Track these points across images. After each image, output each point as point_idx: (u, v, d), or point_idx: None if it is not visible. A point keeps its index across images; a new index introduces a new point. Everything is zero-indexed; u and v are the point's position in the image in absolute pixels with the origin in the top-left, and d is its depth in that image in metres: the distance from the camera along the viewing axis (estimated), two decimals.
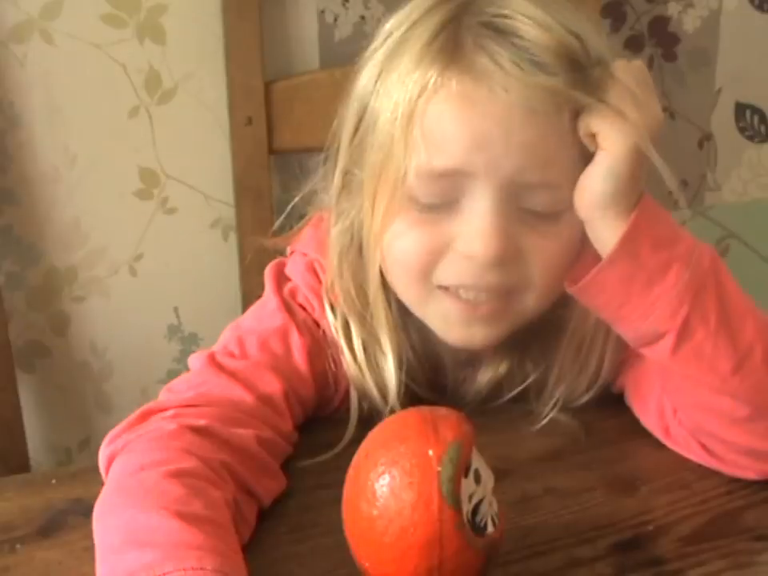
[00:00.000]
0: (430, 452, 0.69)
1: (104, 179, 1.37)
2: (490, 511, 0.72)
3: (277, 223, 1.09)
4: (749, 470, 0.87)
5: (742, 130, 1.69)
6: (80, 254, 1.39)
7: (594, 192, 0.83)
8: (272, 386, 0.90)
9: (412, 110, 0.83)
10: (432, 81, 0.82)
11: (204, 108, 1.37)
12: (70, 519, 0.84)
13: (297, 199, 1.01)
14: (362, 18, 1.42)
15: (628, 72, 0.84)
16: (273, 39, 1.37)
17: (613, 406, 0.96)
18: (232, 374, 0.90)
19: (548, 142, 0.83)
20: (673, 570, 0.77)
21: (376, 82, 0.88)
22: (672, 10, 1.59)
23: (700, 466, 0.88)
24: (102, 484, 0.81)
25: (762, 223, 1.76)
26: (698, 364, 0.83)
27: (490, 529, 0.72)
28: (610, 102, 0.82)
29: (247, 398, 0.88)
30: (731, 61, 1.64)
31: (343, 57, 1.39)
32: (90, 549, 0.75)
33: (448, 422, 0.72)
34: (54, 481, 0.90)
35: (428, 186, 0.85)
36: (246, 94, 1.34)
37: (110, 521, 0.76)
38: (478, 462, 0.72)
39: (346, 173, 0.93)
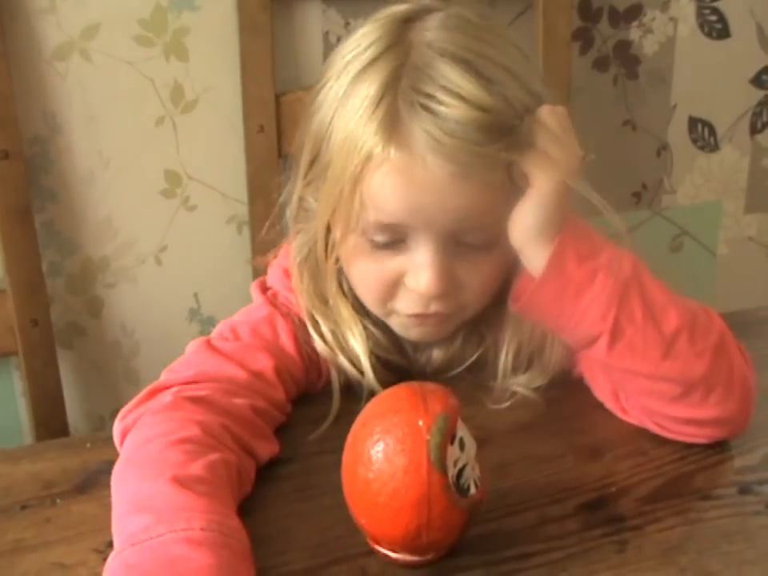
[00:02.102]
0: (420, 422, 0.69)
1: (133, 180, 1.36)
2: (472, 475, 0.72)
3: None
4: (697, 437, 0.87)
5: (694, 141, 1.69)
6: (112, 246, 1.39)
7: (526, 225, 0.83)
8: (263, 362, 0.90)
9: (357, 176, 0.83)
10: (375, 153, 0.82)
11: (222, 117, 1.37)
12: (102, 478, 0.84)
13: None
14: None
15: (552, 116, 0.84)
16: (283, 57, 1.37)
17: (579, 384, 0.96)
18: (226, 355, 0.90)
19: (483, 199, 0.83)
20: (632, 526, 0.78)
21: (328, 126, 0.87)
22: (634, 35, 1.59)
23: (656, 435, 0.88)
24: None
25: (711, 222, 1.76)
26: (632, 356, 0.83)
27: (473, 490, 0.71)
28: (537, 144, 0.82)
29: (240, 373, 0.88)
30: (685, 80, 1.65)
31: None
32: None
33: (436, 396, 0.71)
34: (89, 444, 0.91)
35: (376, 231, 0.86)
36: (259, 105, 1.34)
37: (120, 489, 0.76)
38: (462, 431, 0.72)
39: (302, 199, 0.94)
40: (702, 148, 1.70)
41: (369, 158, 0.82)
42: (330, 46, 1.40)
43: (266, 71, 1.33)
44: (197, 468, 0.75)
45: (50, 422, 1.32)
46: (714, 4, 1.62)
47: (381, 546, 0.73)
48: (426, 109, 0.80)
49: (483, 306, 0.92)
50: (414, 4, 0.89)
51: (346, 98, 0.85)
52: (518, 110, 0.82)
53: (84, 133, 1.32)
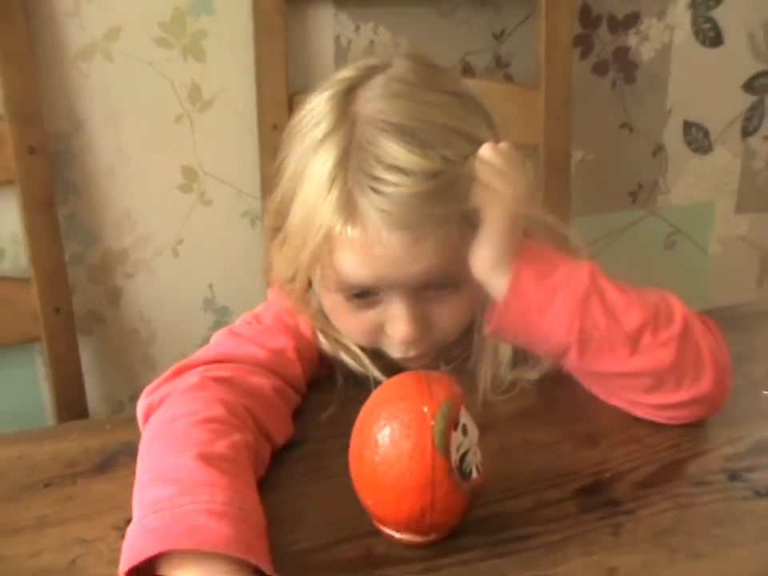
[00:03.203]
0: (425, 409, 0.69)
1: (152, 175, 1.37)
2: (474, 460, 0.72)
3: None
4: (680, 418, 0.88)
5: (688, 144, 1.69)
6: (131, 238, 1.39)
7: (484, 257, 0.84)
8: (283, 342, 0.92)
9: (317, 252, 0.86)
10: (334, 232, 0.83)
11: (237, 116, 1.37)
12: (121, 458, 0.85)
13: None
14: (371, 42, 1.41)
15: (493, 153, 0.85)
16: (295, 59, 1.37)
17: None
18: (248, 337, 0.91)
19: (441, 254, 0.84)
20: (626, 510, 0.77)
21: (290, 204, 0.89)
22: (631, 41, 1.59)
23: (651, 423, 0.88)
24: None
25: (704, 221, 1.76)
26: (602, 360, 0.84)
27: (475, 474, 0.71)
28: (482, 182, 0.83)
29: (261, 353, 0.89)
30: (680, 85, 1.65)
31: None
32: None
33: (440, 384, 0.71)
34: (108, 426, 0.91)
35: (348, 293, 0.88)
36: (273, 105, 1.34)
37: (145, 462, 0.76)
38: (465, 417, 0.71)
39: (275, 230, 0.94)
40: (695, 150, 1.70)
41: (329, 236, 0.84)
42: (341, 49, 1.40)
43: (279, 72, 1.33)
44: (221, 447, 0.75)
45: (71, 404, 1.32)
46: (709, 13, 1.62)
47: (386, 526, 0.73)
48: (375, 190, 0.82)
49: (460, 333, 0.93)
50: (359, 68, 0.90)
51: (302, 177, 0.87)
52: (459, 163, 0.84)
53: (105, 130, 1.32)
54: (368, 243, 0.83)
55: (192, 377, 0.84)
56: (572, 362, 0.86)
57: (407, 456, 0.69)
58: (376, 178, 0.82)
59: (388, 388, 0.74)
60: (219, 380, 0.83)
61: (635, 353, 0.83)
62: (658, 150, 1.67)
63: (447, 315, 0.90)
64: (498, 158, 0.84)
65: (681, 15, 1.60)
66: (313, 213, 0.85)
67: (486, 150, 0.85)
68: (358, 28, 1.40)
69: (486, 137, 0.88)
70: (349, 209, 0.83)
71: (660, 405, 0.87)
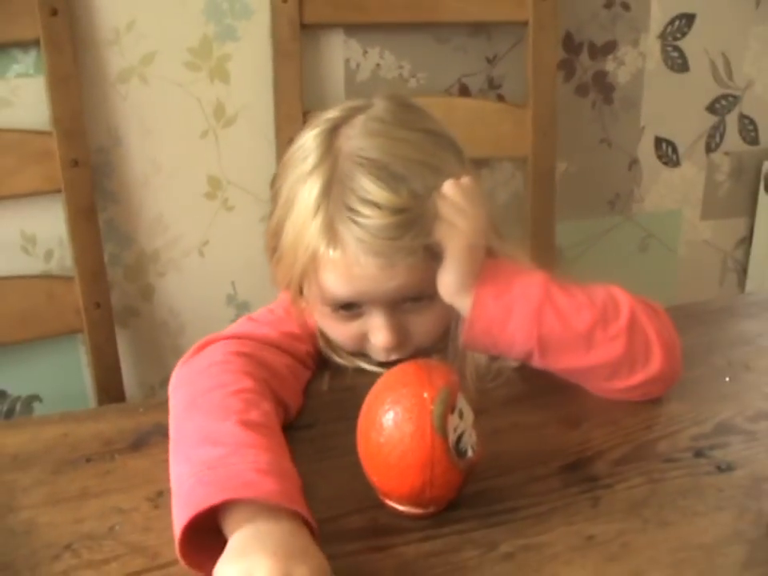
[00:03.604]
0: (425, 394, 0.69)
1: (181, 184, 1.37)
2: (470, 440, 0.71)
3: None
4: (643, 396, 0.89)
5: (659, 157, 1.69)
6: (162, 240, 1.39)
7: (448, 284, 0.85)
8: (292, 327, 0.93)
9: (305, 269, 0.87)
10: (319, 252, 0.85)
11: (257, 131, 1.37)
12: (152, 438, 0.84)
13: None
14: (378, 65, 1.41)
15: (454, 189, 0.85)
16: (309, 80, 1.37)
17: None
18: (262, 322, 0.93)
19: (411, 276, 0.86)
20: (605, 484, 0.77)
21: (283, 227, 0.90)
22: (609, 66, 1.59)
23: (626, 407, 0.88)
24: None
25: (673, 227, 1.75)
26: (562, 358, 0.85)
27: (470, 454, 0.71)
28: (443, 217, 0.84)
29: (273, 333, 0.91)
30: (652, 106, 1.65)
31: (363, 94, 1.36)
32: (167, 460, 0.76)
33: (439, 372, 0.71)
34: (141, 409, 0.90)
35: (333, 306, 0.90)
36: (289, 121, 1.33)
37: (186, 426, 0.77)
38: (461, 402, 0.71)
39: (272, 248, 0.94)
40: (665, 163, 1.70)
41: (314, 256, 0.86)
42: (350, 71, 1.40)
43: (295, 92, 1.33)
44: (255, 415, 0.76)
45: (109, 389, 1.33)
46: (676, 43, 1.62)
47: (390, 500, 0.73)
48: (353, 221, 0.83)
49: (438, 339, 0.94)
50: (343, 109, 0.92)
51: (293, 203, 0.88)
52: (425, 197, 0.84)
53: (140, 144, 1.33)
54: (347, 264, 0.85)
55: (215, 352, 0.86)
56: (537, 364, 0.87)
57: (409, 437, 0.68)
58: (352, 210, 0.84)
59: (392, 375, 0.74)
60: (240, 354, 0.85)
61: (590, 349, 0.84)
62: (633, 162, 1.67)
63: (424, 325, 0.91)
64: (458, 194, 0.85)
65: (652, 44, 1.60)
66: (301, 234, 0.87)
67: (447, 187, 0.85)
68: (365, 52, 1.40)
69: (455, 170, 0.88)
70: (330, 234, 0.85)
71: (619, 389, 0.87)
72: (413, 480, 0.69)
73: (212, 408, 0.77)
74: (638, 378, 0.86)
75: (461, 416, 0.71)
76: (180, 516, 0.66)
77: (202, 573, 0.65)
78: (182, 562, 0.66)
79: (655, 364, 0.86)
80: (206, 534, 0.67)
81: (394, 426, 0.69)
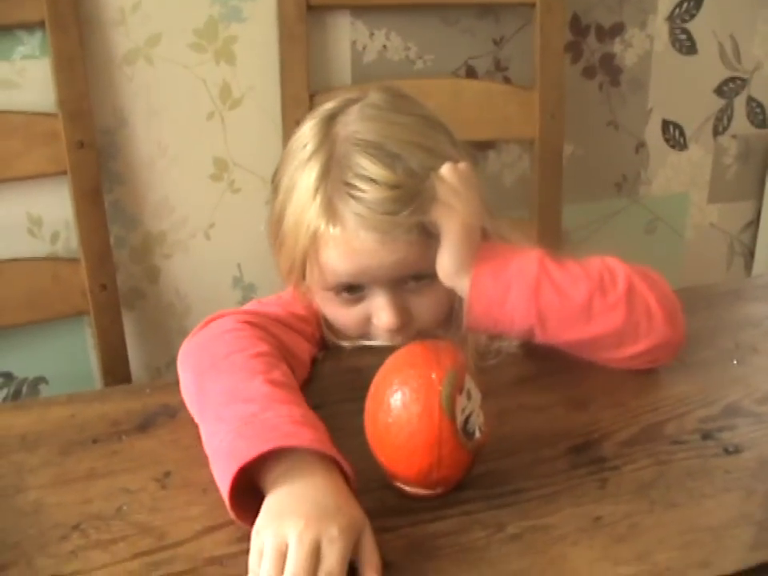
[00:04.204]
0: (433, 375, 0.69)
1: (187, 166, 1.36)
2: (478, 421, 0.71)
3: None
4: (659, 361, 0.90)
5: (666, 140, 1.69)
6: (168, 222, 1.39)
7: (445, 265, 0.86)
8: (299, 308, 0.94)
9: (306, 251, 0.88)
10: (320, 231, 0.86)
11: (263, 113, 1.37)
12: (159, 419, 0.84)
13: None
14: (384, 46, 1.41)
15: (451, 173, 0.86)
16: (316, 62, 1.36)
17: None
18: (270, 303, 0.95)
19: (410, 253, 0.86)
20: (612, 466, 0.77)
21: (284, 212, 0.91)
22: (617, 48, 1.58)
23: (635, 388, 0.88)
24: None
25: (680, 210, 1.75)
26: (564, 331, 0.86)
27: (477, 435, 0.71)
28: (440, 198, 0.85)
29: (280, 312, 0.93)
30: (659, 89, 1.64)
31: (369, 76, 1.39)
32: (174, 440, 0.76)
33: (447, 353, 0.71)
34: (148, 390, 0.90)
35: (337, 289, 0.90)
36: (295, 102, 1.33)
37: (212, 387, 0.78)
38: (470, 383, 0.71)
39: (274, 235, 0.95)
40: (673, 146, 1.69)
41: (315, 236, 0.87)
42: (356, 53, 1.39)
43: (301, 74, 1.32)
44: (278, 375, 0.79)
45: (116, 370, 1.33)
46: (684, 25, 1.61)
47: (397, 481, 0.73)
48: (351, 196, 0.85)
49: (441, 321, 0.94)
50: (339, 100, 0.93)
51: (292, 189, 0.90)
52: (421, 176, 0.85)
53: (146, 125, 1.32)
54: (347, 239, 0.86)
55: (226, 323, 0.87)
56: (540, 339, 0.87)
57: (417, 418, 0.68)
58: (351, 185, 0.85)
59: (400, 356, 0.73)
60: (250, 323, 0.87)
61: (591, 319, 0.84)
62: (640, 145, 1.66)
63: (426, 305, 0.92)
64: (455, 177, 0.86)
65: (660, 26, 1.60)
66: (302, 216, 0.88)
67: (445, 170, 0.86)
68: (372, 34, 1.39)
69: (449, 152, 0.90)
70: (330, 212, 0.86)
71: (626, 357, 0.88)
72: (420, 461, 0.69)
73: (236, 369, 0.79)
74: (644, 344, 0.86)
75: (468, 397, 0.70)
76: (225, 470, 0.68)
77: (248, 525, 0.67)
78: (232, 515, 0.68)
79: (659, 328, 0.86)
80: (244, 491, 0.69)
81: (401, 406, 0.69)
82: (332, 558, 0.62)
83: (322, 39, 1.37)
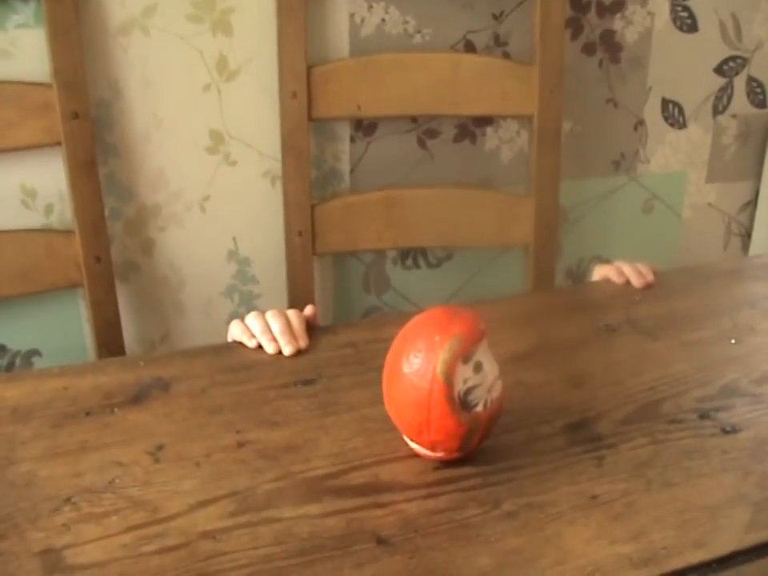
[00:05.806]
0: (437, 338, 0.70)
1: (182, 138, 1.35)
2: (486, 396, 0.71)
3: None
4: None
5: (666, 119, 1.67)
6: (163, 194, 1.37)
7: None
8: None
9: None
10: None
11: (260, 85, 1.35)
12: (153, 391, 0.84)
13: None
14: (383, 20, 1.39)
15: None
16: (314, 34, 1.34)
17: (565, 321, 0.94)
18: None
19: None
20: (608, 444, 0.77)
21: None
22: (617, 25, 1.56)
23: (632, 366, 0.88)
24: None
25: (678, 189, 1.74)
26: None
27: (479, 408, 0.70)
28: None
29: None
30: (659, 66, 1.62)
31: (367, 49, 1.38)
32: (167, 414, 0.75)
33: (461, 319, 0.71)
34: (142, 363, 0.90)
35: None
36: (293, 75, 1.31)
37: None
38: (483, 356, 0.71)
39: None
40: (672, 125, 1.68)
41: None
42: (355, 26, 1.37)
43: (299, 46, 1.31)
44: None
45: (109, 343, 1.32)
46: (685, 2, 1.60)
47: (402, 431, 0.74)
48: None
49: None
50: None
51: None
52: None
53: (142, 97, 1.30)
54: None
55: None
56: None
57: (412, 374, 0.70)
58: None
59: (420, 318, 0.74)
60: None
61: None
62: (639, 123, 1.65)
63: None
64: None
65: (661, 3, 1.58)
66: None
67: None
68: (371, 7, 1.38)
69: None
70: None
71: None
72: (411, 417, 0.71)
73: None
74: None
75: (477, 369, 0.70)
76: None
77: None
78: None
79: None
80: None
81: (406, 361, 0.70)
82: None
83: (319, 11, 1.35)
